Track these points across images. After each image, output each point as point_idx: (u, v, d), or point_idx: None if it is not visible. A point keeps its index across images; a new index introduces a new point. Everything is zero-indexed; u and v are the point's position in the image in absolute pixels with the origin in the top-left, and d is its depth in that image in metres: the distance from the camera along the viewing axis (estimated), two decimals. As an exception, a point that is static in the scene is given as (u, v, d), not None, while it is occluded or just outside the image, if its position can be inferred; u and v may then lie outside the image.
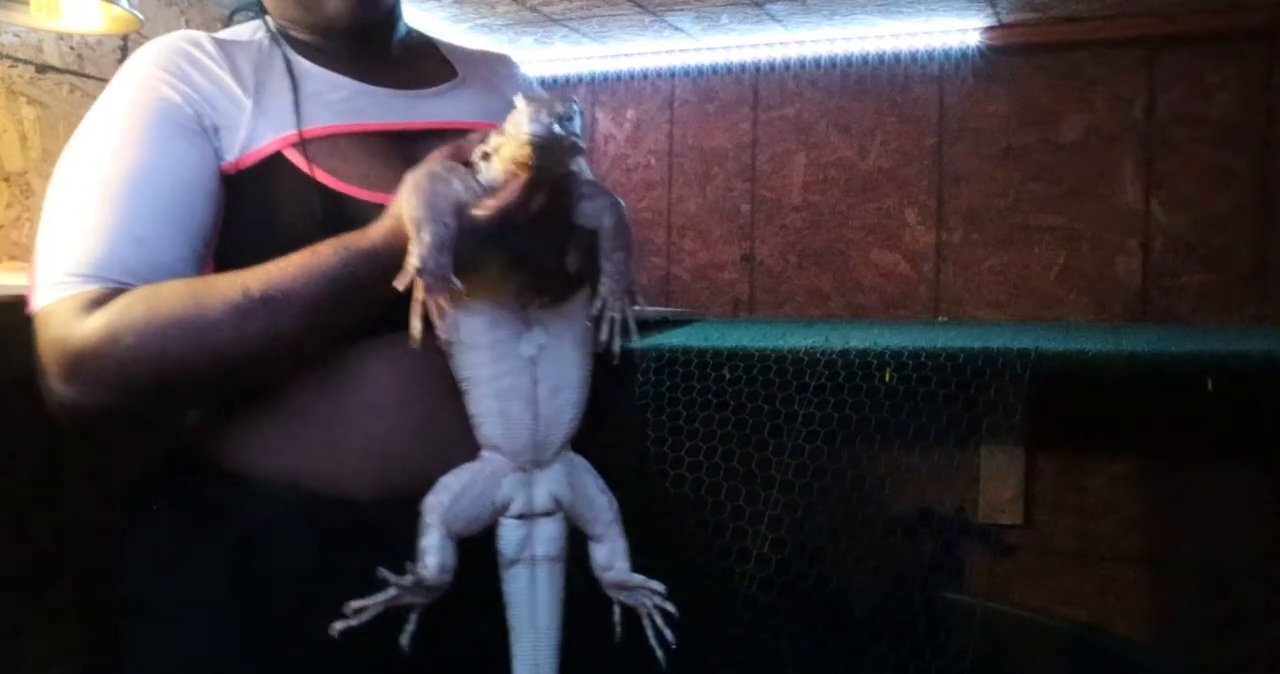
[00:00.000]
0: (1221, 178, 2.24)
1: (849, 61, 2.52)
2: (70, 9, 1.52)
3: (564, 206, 0.79)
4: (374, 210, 0.81)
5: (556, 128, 0.71)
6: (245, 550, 0.84)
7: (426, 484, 0.81)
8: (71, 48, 1.80)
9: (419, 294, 0.72)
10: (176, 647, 0.85)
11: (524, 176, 0.74)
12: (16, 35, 1.70)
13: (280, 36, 0.96)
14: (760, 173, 2.62)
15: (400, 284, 0.72)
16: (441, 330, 0.74)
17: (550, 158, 0.73)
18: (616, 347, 0.79)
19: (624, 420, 1.80)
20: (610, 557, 0.86)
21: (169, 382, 0.80)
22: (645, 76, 2.71)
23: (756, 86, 2.62)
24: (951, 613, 1.94)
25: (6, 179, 1.70)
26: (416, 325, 0.72)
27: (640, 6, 2.27)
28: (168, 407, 0.86)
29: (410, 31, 1.04)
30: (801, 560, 1.75)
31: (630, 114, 2.74)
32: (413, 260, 0.72)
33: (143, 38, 1.90)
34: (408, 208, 0.75)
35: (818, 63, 2.55)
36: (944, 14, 2.29)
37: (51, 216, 0.84)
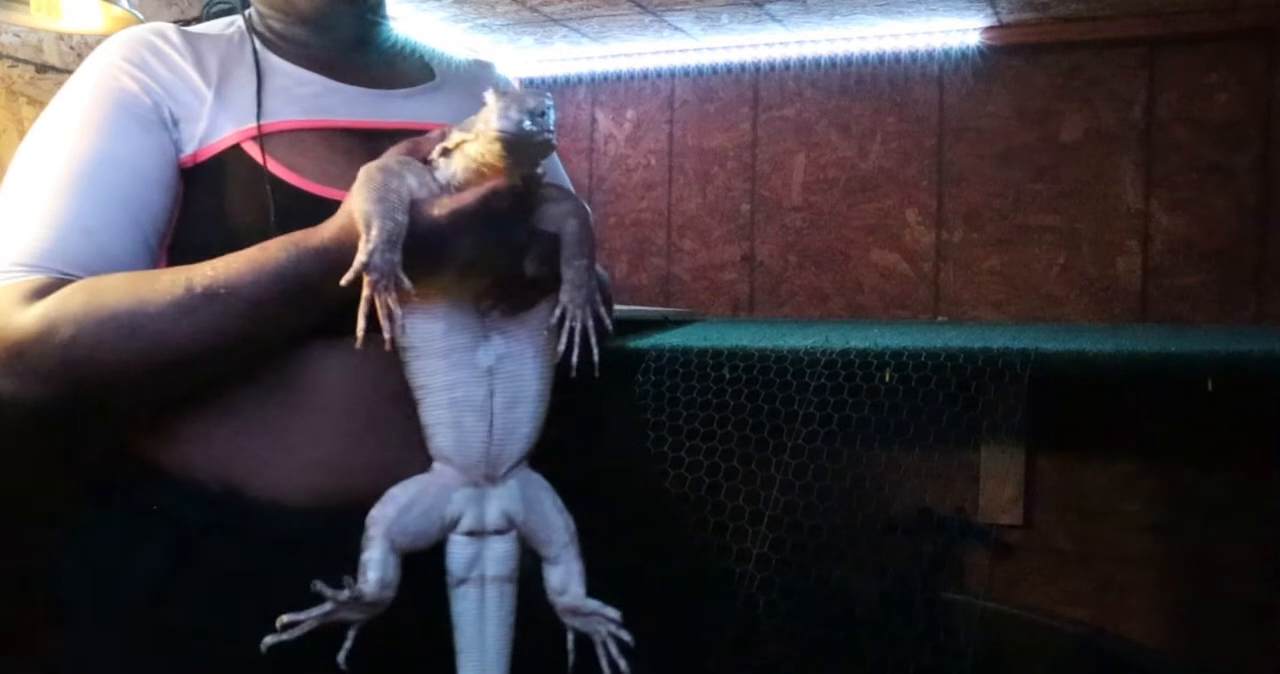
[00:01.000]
0: (1221, 178, 2.24)
1: (849, 61, 2.52)
2: (70, 9, 1.52)
3: (526, 209, 0.76)
4: (333, 207, 0.79)
5: (528, 123, 0.68)
6: (182, 557, 0.81)
7: (374, 495, 0.78)
8: (71, 48, 1.80)
9: (366, 292, 0.70)
10: (109, 654, 0.83)
11: (494, 179, 0.72)
12: (16, 35, 1.70)
13: (254, 31, 0.94)
14: (760, 173, 2.62)
15: (346, 280, 0.70)
16: (388, 331, 0.71)
17: (521, 155, 0.71)
18: (575, 358, 0.76)
19: (624, 421, 1.80)
20: (565, 580, 0.82)
21: (106, 376, 0.77)
22: (645, 76, 2.71)
23: (756, 86, 2.62)
24: (951, 613, 1.94)
25: (6, 179, 1.70)
26: (361, 324, 0.70)
27: (640, 6, 2.27)
28: (106, 402, 0.83)
29: (394, 33, 1.03)
30: (801, 560, 1.75)
31: (630, 114, 2.74)
32: (360, 256, 0.69)
33: (143, 38, 1.91)
34: (357, 202, 0.72)
35: (818, 63, 2.55)
36: (944, 14, 2.29)
37: (3, 204, 0.82)
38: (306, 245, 0.76)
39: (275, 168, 0.84)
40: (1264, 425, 2.05)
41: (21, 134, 1.72)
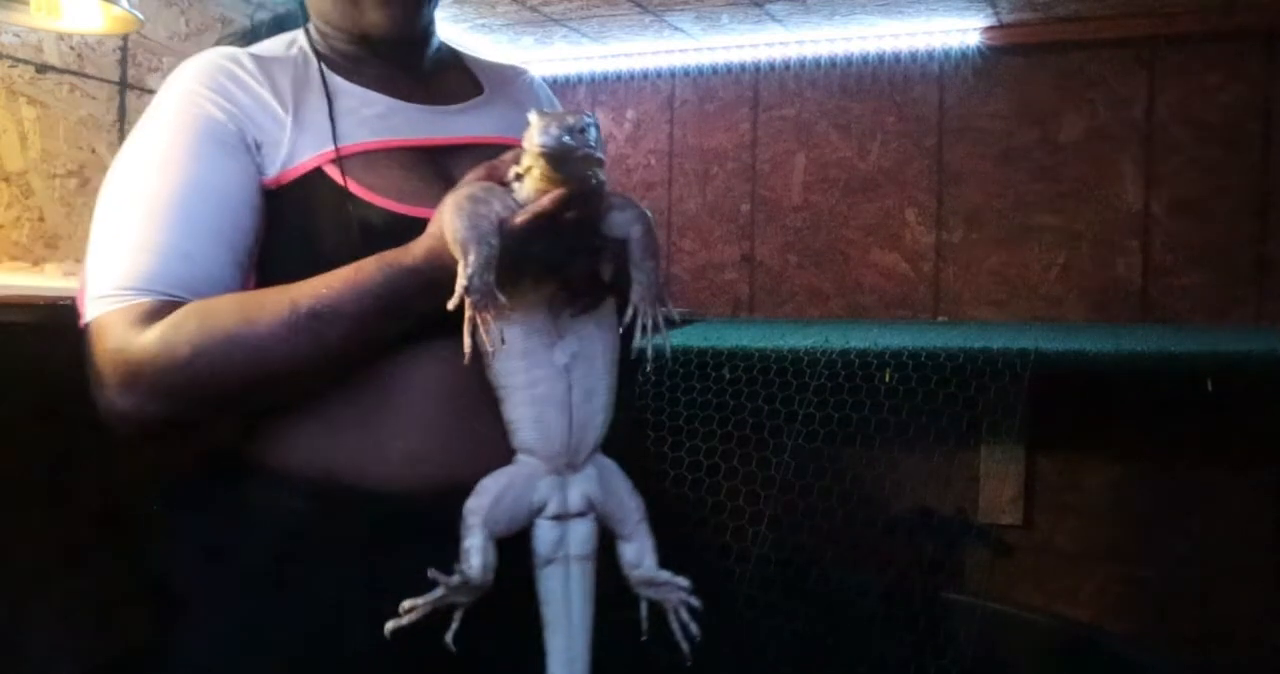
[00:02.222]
0: (1221, 178, 2.24)
1: (849, 61, 2.52)
2: (70, 9, 1.52)
3: (594, 218, 0.83)
4: (410, 223, 0.85)
5: (566, 139, 0.75)
6: (287, 545, 0.86)
7: (463, 484, 0.84)
8: (71, 48, 1.80)
9: (469, 313, 0.76)
10: (218, 641, 0.87)
11: (557, 189, 0.78)
12: (16, 35, 1.70)
13: (316, 52, 0.99)
14: (760, 173, 2.62)
15: (452, 304, 0.76)
16: (489, 344, 0.78)
17: (565, 168, 0.77)
18: (650, 353, 0.84)
19: (624, 421, 1.79)
20: (639, 555, 0.89)
21: (222, 393, 0.84)
22: (645, 76, 2.71)
23: (756, 86, 2.62)
24: (951, 613, 1.94)
25: (6, 179, 1.70)
26: (469, 342, 0.76)
27: (640, 6, 2.27)
28: (220, 415, 0.91)
29: (440, 45, 1.08)
30: (801, 560, 1.75)
31: (630, 114, 2.74)
32: (461, 280, 0.76)
33: (143, 37, 1.90)
34: (451, 229, 0.78)
35: (818, 63, 2.55)
36: (944, 14, 2.29)
37: (101, 231, 0.88)
38: (400, 266, 0.82)
39: (355, 188, 0.90)
40: (1264, 425, 2.05)
41: (21, 134, 1.72)
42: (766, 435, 1.77)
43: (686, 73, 2.66)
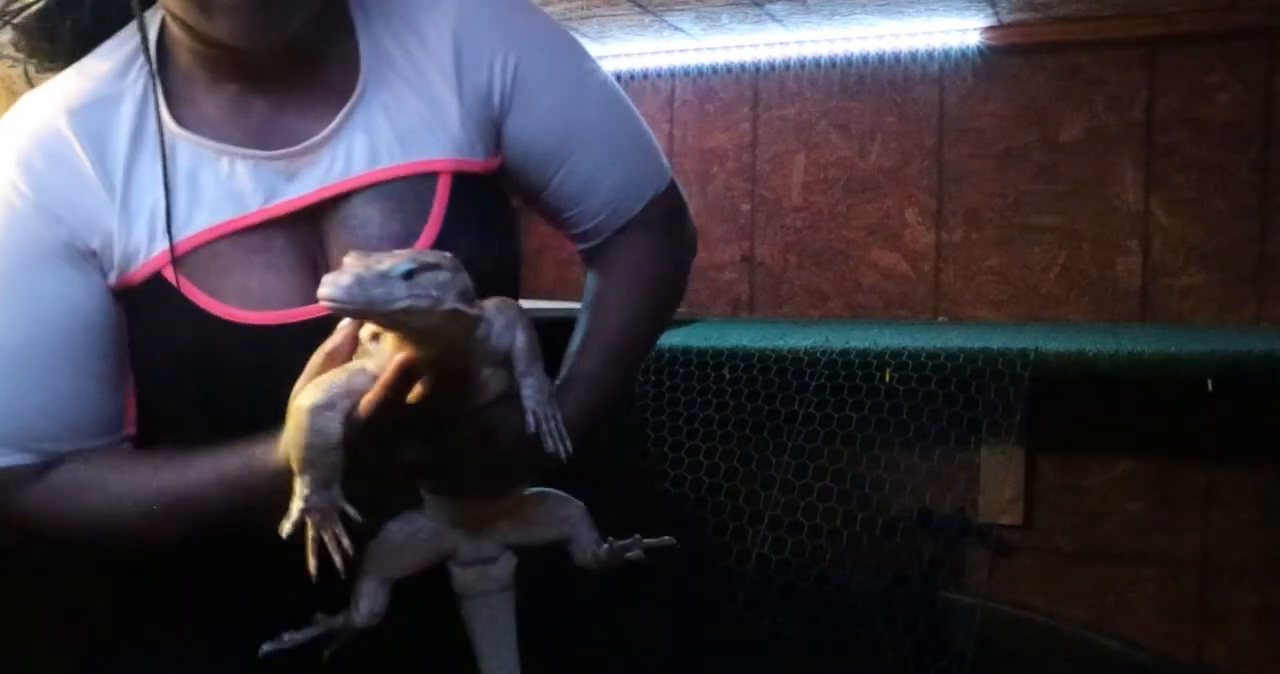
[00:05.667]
0: (1221, 178, 2.24)
1: (849, 61, 2.52)
2: (70, 9, 1.52)
3: (465, 376, 0.72)
4: (261, 334, 0.76)
5: (360, 291, 0.59)
6: (201, 571, 0.85)
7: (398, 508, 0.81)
8: (71, 48, 1.80)
9: (311, 532, 0.69)
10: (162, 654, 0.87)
11: (401, 356, 0.65)
12: (16, 35, 1.69)
13: (158, 76, 0.80)
14: (760, 173, 2.62)
15: (285, 530, 0.68)
16: (340, 562, 0.69)
17: (373, 319, 0.64)
18: (561, 449, 0.77)
19: (624, 420, 1.80)
20: (586, 550, 0.86)
21: (107, 558, 0.86)
22: (645, 76, 2.70)
23: (756, 86, 2.62)
24: (951, 613, 1.94)
25: (6, 179, 1.70)
26: (313, 562, 0.69)
27: (640, 6, 2.27)
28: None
29: (327, 31, 0.83)
30: (801, 560, 1.76)
31: (630, 114, 2.74)
32: (296, 502, 0.68)
33: (143, 38, 1.90)
34: (290, 446, 0.68)
35: (818, 63, 2.55)
36: (944, 14, 2.29)
37: None
38: (264, 469, 0.72)
39: (200, 298, 0.77)
40: (1264, 425, 2.05)
41: (21, 134, 1.72)
42: (766, 435, 1.77)
43: (686, 73, 2.66)
